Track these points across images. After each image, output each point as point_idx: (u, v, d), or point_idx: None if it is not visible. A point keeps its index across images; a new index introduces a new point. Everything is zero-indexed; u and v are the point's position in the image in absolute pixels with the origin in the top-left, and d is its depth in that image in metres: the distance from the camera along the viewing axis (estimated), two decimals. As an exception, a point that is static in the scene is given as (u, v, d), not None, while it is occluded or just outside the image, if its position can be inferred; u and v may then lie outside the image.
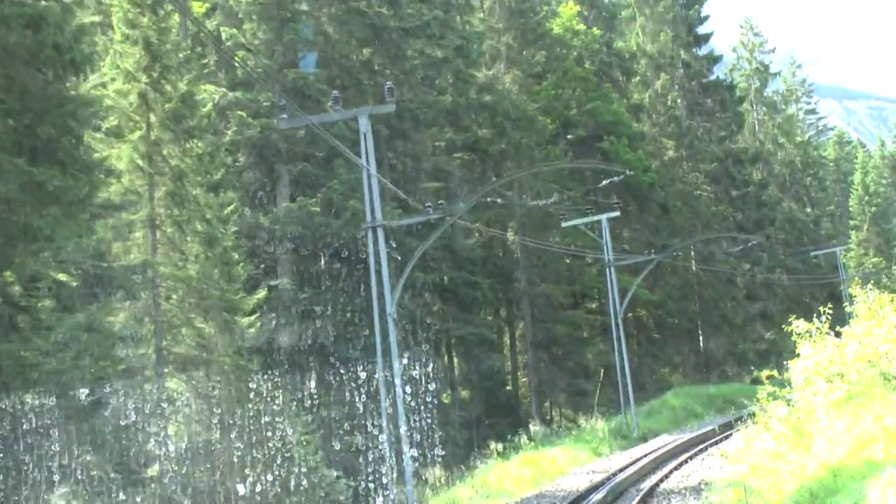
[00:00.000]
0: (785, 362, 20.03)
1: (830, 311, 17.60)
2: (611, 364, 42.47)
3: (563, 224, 33.44)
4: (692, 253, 52.87)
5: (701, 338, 52.82)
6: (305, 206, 27.30)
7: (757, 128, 69.69)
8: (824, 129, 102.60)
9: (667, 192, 48.94)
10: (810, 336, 16.75)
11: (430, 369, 20.84)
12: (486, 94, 41.51)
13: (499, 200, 40.15)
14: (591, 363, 43.21)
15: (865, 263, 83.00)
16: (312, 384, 28.29)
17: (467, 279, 35.68)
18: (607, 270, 31.16)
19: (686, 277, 51.05)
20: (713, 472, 20.23)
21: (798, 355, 17.37)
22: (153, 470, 16.65)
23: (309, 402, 24.53)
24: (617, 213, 31.32)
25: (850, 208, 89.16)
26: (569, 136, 44.50)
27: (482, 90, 41.69)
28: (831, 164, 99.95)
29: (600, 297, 42.70)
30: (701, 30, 54.79)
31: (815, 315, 17.40)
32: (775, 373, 55.52)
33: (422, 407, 20.37)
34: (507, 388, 43.26)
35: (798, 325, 17.01)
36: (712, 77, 54.46)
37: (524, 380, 43.53)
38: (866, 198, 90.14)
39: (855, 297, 18.56)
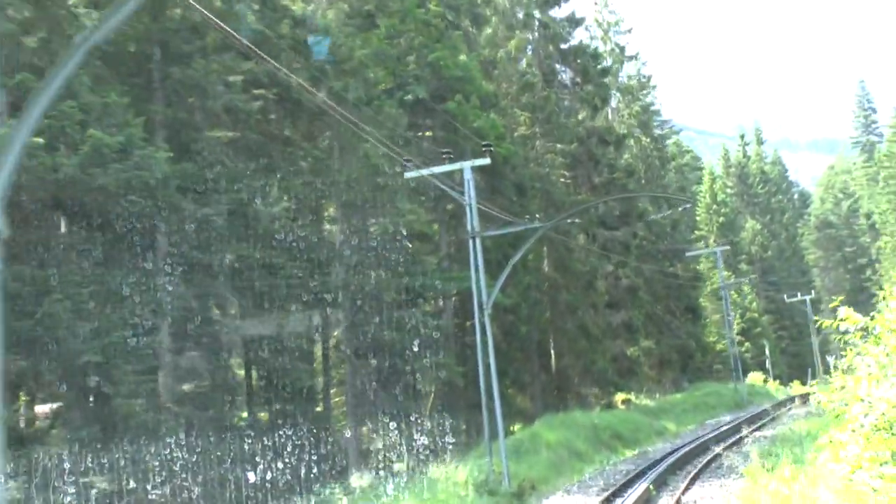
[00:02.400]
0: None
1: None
2: (452, 381, 36.31)
3: (408, 174, 26.71)
4: (544, 250, 47.55)
5: (553, 352, 47.44)
6: None
7: (610, 115, 65.75)
8: (670, 132, 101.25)
9: (520, 173, 43.30)
10: (867, 334, 11.30)
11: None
12: (301, 31, 34.86)
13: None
14: (425, 380, 36.78)
15: (714, 277, 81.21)
16: None
17: (266, 262, 28.53)
18: (471, 243, 24.65)
19: (539, 278, 45.56)
20: None
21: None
22: None
23: None
24: (487, 161, 24.90)
25: (697, 217, 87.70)
26: (406, 95, 38.05)
27: (297, 25, 34.96)
28: (673, 172, 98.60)
29: (444, 290, 36.29)
30: (561, -15, 49.76)
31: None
32: (636, 398, 48.90)
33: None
34: (318, 408, 36.36)
35: (849, 314, 11.43)
36: (573, 42, 49.45)
37: (340, 398, 36.72)
38: (714, 206, 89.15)
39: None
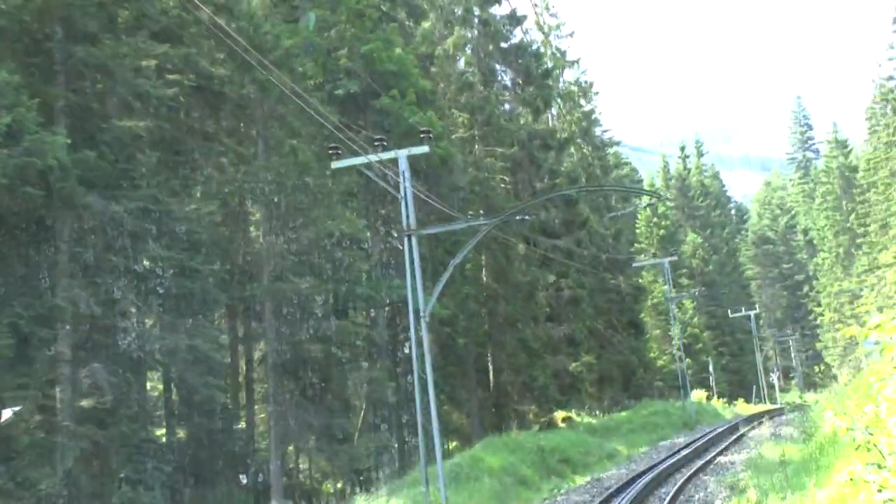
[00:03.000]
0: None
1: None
2: (384, 398, 34.22)
3: (335, 164, 24.58)
4: (483, 259, 45.80)
5: (491, 367, 45.61)
6: None
7: (551, 122, 64.36)
8: (610, 143, 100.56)
9: (458, 177, 41.46)
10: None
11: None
12: (224, 17, 32.61)
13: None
14: (354, 396, 34.68)
15: (656, 290, 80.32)
16: None
17: (181, 263, 26.25)
18: (406, 242, 22.59)
19: (477, 288, 43.73)
20: None
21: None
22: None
23: None
24: (425, 148, 22.94)
25: (637, 230, 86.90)
26: (336, 90, 36.02)
27: (219, 10, 32.72)
28: (613, 183, 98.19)
29: (375, 300, 34.22)
30: (502, -18, 48.11)
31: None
32: (577, 416, 46.76)
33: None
34: (240, 425, 34.06)
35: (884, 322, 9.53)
36: (514, 40, 47.83)
37: (263, 415, 34.45)
38: (654, 219, 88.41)
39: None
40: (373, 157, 22.64)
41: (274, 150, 33.96)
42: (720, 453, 32.03)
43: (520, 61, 47.70)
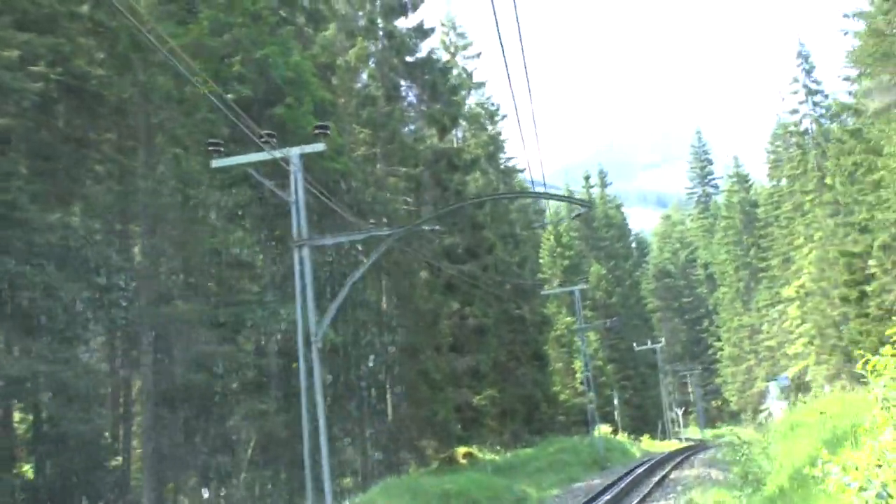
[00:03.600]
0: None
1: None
2: (274, 432, 31.61)
3: (216, 163, 22.09)
4: (383, 284, 43.60)
5: (389, 399, 43.25)
6: None
7: (457, 143, 62.64)
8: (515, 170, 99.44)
9: (359, 196, 39.28)
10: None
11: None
12: (104, 13, 30.02)
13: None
14: (241, 430, 31.94)
15: (559, 322, 79.07)
16: None
17: (41, 282, 23.41)
18: (296, 254, 20.19)
19: (376, 315, 41.43)
20: None
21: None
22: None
23: None
24: (321, 146, 20.65)
25: (541, 260, 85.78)
26: (228, 95, 33.37)
27: (98, 5, 30.09)
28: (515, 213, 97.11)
29: (266, 325, 31.63)
30: (409, -5, 46.23)
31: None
32: (479, 452, 44.18)
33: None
34: (116, 462, 31.00)
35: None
36: (421, 54, 45.94)
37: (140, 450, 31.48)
38: (558, 249, 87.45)
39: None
40: (261, 156, 20.30)
41: (156, 160, 31.24)
42: (644, 501, 29.43)
43: (426, 76, 45.84)
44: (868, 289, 34.92)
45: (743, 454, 21.38)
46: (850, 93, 36.32)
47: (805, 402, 28.35)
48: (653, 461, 46.77)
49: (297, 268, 20.45)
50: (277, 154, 20.09)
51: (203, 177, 31.48)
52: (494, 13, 10.73)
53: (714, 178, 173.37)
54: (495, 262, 54.57)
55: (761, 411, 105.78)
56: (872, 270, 34.34)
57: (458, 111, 48.36)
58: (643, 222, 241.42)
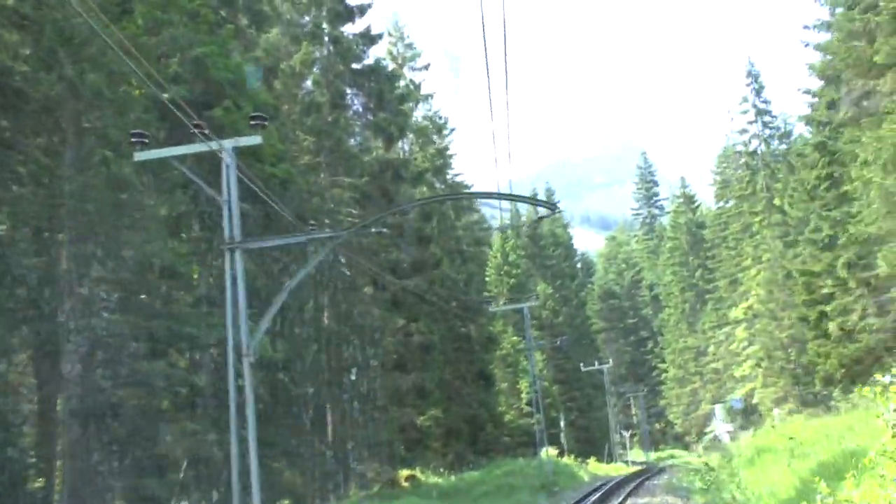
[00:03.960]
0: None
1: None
2: (207, 454, 29.92)
3: (139, 156, 20.48)
4: (325, 299, 42.09)
5: (330, 419, 41.64)
6: None
7: (403, 154, 61.30)
8: (462, 186, 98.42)
9: (301, 206, 37.76)
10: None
11: None
12: (29, 6, 28.33)
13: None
14: (172, 451, 30.13)
15: (504, 341, 77.87)
16: None
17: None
18: (227, 258, 18.68)
19: (317, 331, 39.89)
20: None
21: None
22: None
23: None
24: (257, 139, 19.19)
25: (487, 278, 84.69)
26: (163, 94, 31.78)
27: (24, -4, 28.41)
28: (461, 230, 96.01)
29: (198, 339, 29.95)
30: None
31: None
32: (422, 474, 42.51)
33: None
34: (38, 483, 29.02)
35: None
36: (368, 61, 44.61)
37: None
38: (505, 267, 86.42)
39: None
40: (190, 148, 18.82)
41: (84, 162, 29.48)
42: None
43: (373, 84, 44.53)
44: (827, 308, 34.16)
45: (710, 482, 20.21)
46: (809, 105, 35.63)
47: (773, 427, 27.31)
48: (605, 486, 44.96)
49: (227, 275, 18.90)
50: (209, 147, 18.58)
51: (136, 181, 29.82)
52: (483, 20, 9.54)
53: (659, 200, 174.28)
54: (442, 278, 53.29)
55: (706, 434, 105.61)
56: (831, 290, 33.58)
57: (406, 121, 47.12)
58: (586, 243, 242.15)
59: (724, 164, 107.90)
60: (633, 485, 45.46)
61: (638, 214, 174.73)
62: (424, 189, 58.53)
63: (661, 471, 65.00)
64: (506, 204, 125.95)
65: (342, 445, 41.95)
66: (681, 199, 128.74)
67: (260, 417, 36.53)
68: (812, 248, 35.53)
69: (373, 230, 25.30)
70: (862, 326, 31.40)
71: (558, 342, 68.28)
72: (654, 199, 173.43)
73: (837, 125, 29.76)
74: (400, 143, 49.88)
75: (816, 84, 35.62)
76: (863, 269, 30.22)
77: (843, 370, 32.89)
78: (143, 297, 31.50)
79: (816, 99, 34.99)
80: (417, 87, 62.41)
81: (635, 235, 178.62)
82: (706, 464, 21.90)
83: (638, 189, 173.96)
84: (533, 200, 16.76)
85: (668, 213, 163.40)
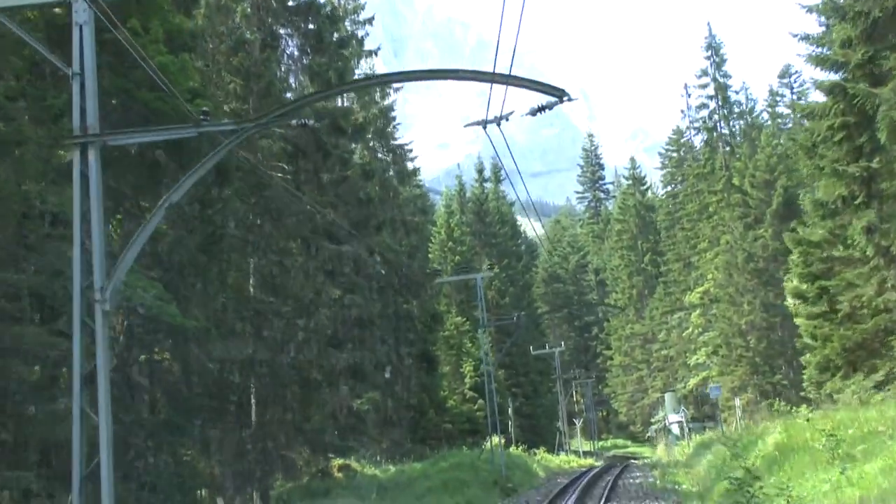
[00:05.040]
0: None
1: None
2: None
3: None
4: (251, 264, 37.30)
5: (254, 400, 36.77)
6: None
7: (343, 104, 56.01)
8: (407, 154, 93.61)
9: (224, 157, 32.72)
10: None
11: None
12: None
13: None
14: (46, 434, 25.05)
15: (448, 322, 73.45)
16: None
17: None
18: (77, 156, 13.77)
19: (241, 301, 35.01)
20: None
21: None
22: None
23: None
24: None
25: (430, 255, 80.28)
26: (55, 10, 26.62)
27: None
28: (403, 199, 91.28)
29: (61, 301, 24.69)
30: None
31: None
32: (357, 464, 37.05)
33: None
34: None
35: None
36: (307, -5, 39.65)
37: None
38: (449, 244, 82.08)
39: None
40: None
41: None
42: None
43: (311, 26, 39.60)
44: (829, 284, 29.96)
45: (752, 496, 15.70)
46: (811, 49, 31.27)
47: (808, 419, 22.84)
48: (572, 487, 39.34)
49: (75, 178, 14.04)
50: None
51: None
52: None
53: (605, 184, 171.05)
54: (383, 247, 48.62)
55: (652, 424, 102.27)
56: (841, 258, 29.33)
57: (346, 67, 42.15)
58: (527, 231, 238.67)
59: (676, 145, 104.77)
60: (603, 484, 40.01)
61: (583, 198, 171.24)
62: (366, 153, 53.75)
63: (631, 467, 60.18)
64: (450, 180, 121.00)
65: (268, 430, 37.06)
66: (630, 181, 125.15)
67: (169, 397, 31.58)
68: (814, 214, 31.24)
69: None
70: (878, 304, 27.24)
71: (514, 318, 63.55)
72: (600, 182, 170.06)
73: (862, 59, 25.69)
74: (339, 100, 44.82)
75: (815, 29, 31.39)
76: (882, 236, 26.17)
77: (844, 355, 28.81)
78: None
79: (817, 48, 30.70)
80: (361, 41, 57.36)
81: (580, 219, 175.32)
82: (747, 471, 17.30)
83: (583, 172, 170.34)
84: (537, 85, 12.15)
85: (614, 196, 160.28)
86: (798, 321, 37.36)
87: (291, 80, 40.97)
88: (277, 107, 17.85)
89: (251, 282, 37.18)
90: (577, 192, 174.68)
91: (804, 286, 32.31)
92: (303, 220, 38.00)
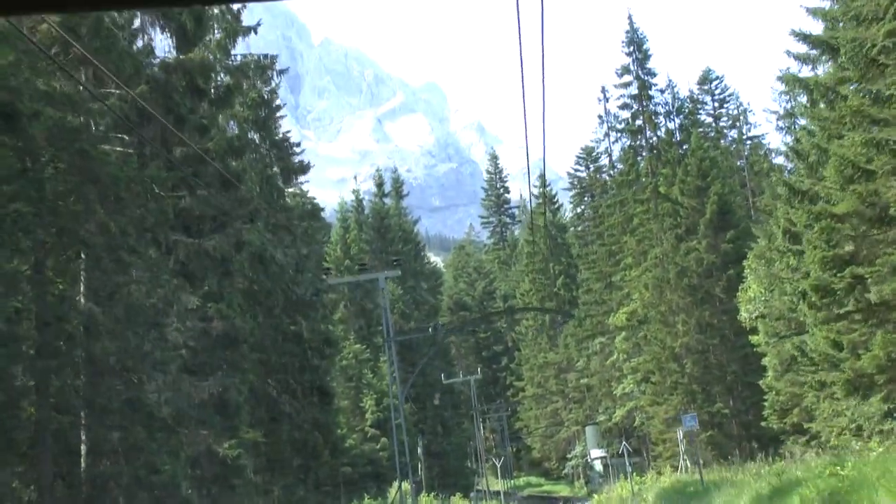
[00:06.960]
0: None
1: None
2: None
3: None
4: (81, 270, 28.61)
5: (84, 445, 27.84)
6: None
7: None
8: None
9: (26, 108, 24.21)
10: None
11: None
12: None
13: None
14: None
15: (346, 349, 65.00)
16: None
17: None
18: None
19: (69, 311, 26.20)
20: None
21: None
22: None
23: None
24: None
25: (324, 276, 71.82)
26: None
27: None
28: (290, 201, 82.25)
29: None
30: None
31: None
32: None
33: None
34: None
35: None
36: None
37: None
38: (346, 262, 74.04)
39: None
40: None
41: None
42: None
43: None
44: (868, 271, 22.20)
45: None
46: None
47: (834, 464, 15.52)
48: None
49: None
50: None
51: None
52: None
53: (511, 208, 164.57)
54: (263, 261, 40.02)
55: (569, 460, 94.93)
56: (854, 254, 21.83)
57: (203, 14, 33.46)
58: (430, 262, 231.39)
59: (587, 162, 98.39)
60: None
61: (488, 223, 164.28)
62: (235, 128, 44.75)
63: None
64: (349, 195, 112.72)
65: (100, 483, 28.01)
66: (539, 200, 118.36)
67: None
68: (833, 180, 23.68)
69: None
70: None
71: (430, 329, 55.22)
72: (505, 206, 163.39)
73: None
74: (201, 50, 36.01)
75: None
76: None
77: (890, 366, 21.14)
78: None
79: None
80: (237, 16, 48.63)
81: (485, 246, 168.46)
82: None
83: (488, 196, 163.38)
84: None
85: (520, 221, 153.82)
86: (808, 321, 29.72)
87: (139, 39, 32.28)
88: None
89: (80, 289, 28.28)
90: (482, 217, 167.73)
91: (825, 275, 24.46)
92: (151, 208, 29.26)
